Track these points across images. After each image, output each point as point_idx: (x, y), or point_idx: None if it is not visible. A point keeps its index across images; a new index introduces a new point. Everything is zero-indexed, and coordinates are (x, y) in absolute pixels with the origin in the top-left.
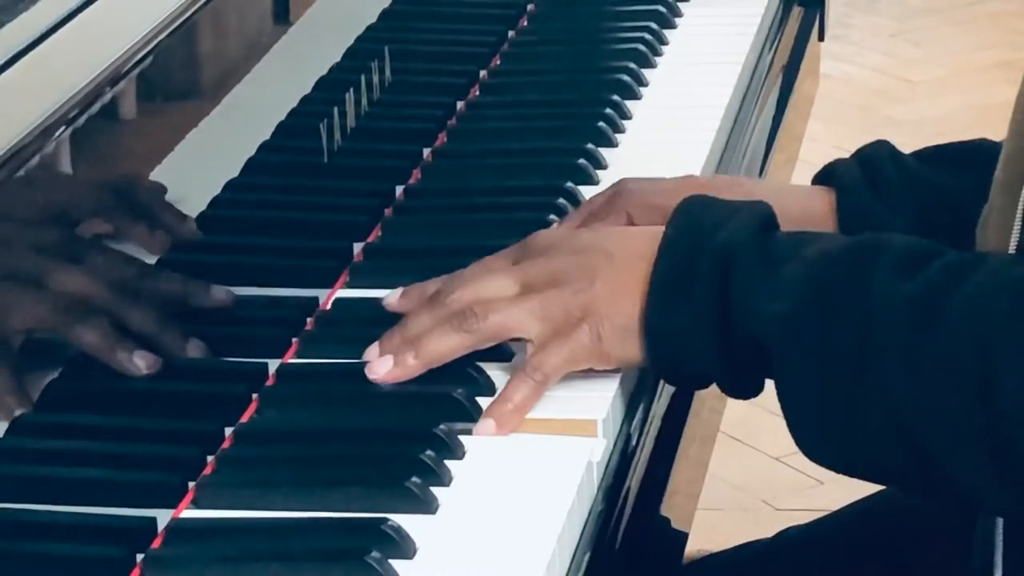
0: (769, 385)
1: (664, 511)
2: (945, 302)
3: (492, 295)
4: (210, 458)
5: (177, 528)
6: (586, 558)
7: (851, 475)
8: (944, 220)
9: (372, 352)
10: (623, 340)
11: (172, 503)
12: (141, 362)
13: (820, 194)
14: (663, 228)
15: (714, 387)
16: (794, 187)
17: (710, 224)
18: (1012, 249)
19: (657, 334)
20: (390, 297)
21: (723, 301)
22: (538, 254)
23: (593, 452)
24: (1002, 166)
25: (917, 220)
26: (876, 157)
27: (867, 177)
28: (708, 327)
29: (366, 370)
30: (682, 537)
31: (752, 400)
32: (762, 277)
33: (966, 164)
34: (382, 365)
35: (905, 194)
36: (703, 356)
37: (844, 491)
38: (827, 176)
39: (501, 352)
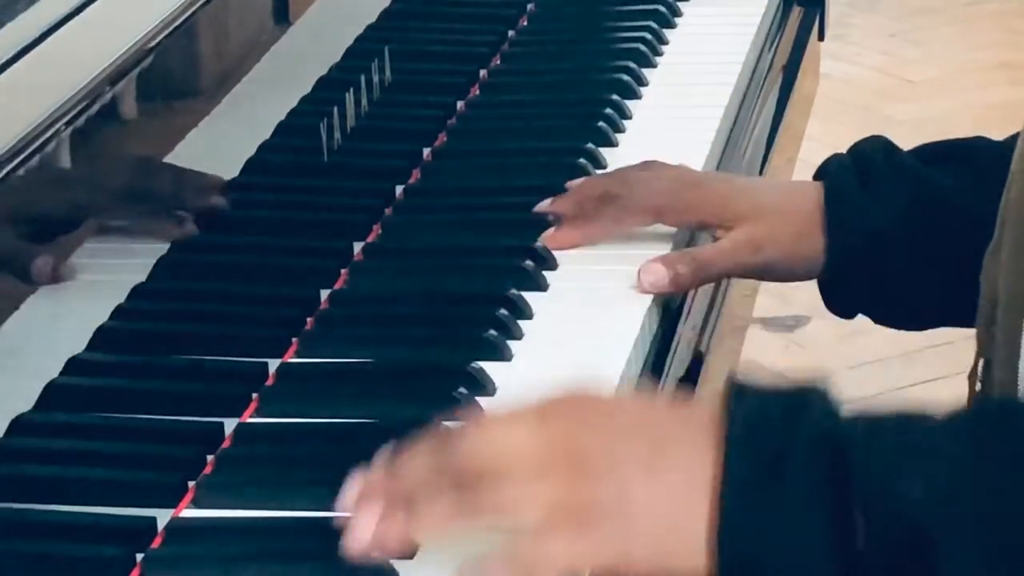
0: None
1: None
2: None
3: (505, 459)
4: (210, 458)
5: (177, 528)
6: None
7: None
8: (934, 217)
9: (351, 490)
10: (664, 550)
11: (172, 503)
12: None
13: (809, 188)
14: (710, 411)
15: (715, 386)
16: (783, 182)
17: (780, 412)
18: None
19: (742, 540)
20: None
21: (839, 496)
22: (562, 419)
23: None
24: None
25: (906, 215)
26: (869, 151)
27: (857, 170)
28: (820, 524)
29: (350, 523)
30: None
31: None
32: (891, 460)
33: (962, 162)
34: (358, 534)
35: (895, 188)
36: (807, 560)
37: None
38: (823, 171)
39: (501, 353)
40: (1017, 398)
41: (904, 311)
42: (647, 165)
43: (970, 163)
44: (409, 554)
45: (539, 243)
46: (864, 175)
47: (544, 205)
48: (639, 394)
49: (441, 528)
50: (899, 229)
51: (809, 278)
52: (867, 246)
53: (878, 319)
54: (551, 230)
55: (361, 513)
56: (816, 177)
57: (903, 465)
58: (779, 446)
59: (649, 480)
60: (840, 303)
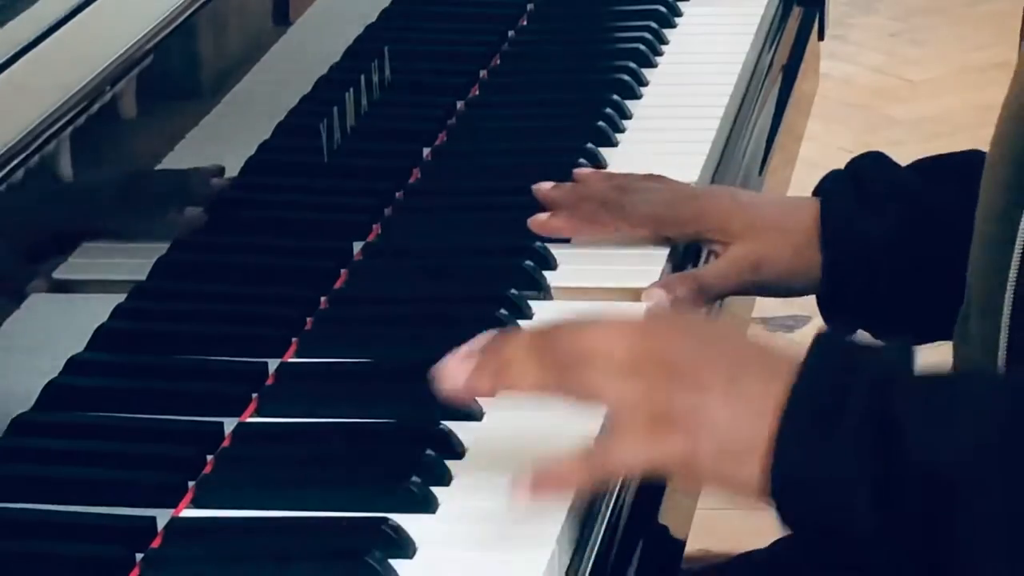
0: None
1: (663, 511)
2: None
3: (600, 351)
4: (210, 457)
5: (177, 527)
6: (586, 559)
7: None
8: (930, 233)
9: (454, 357)
10: (731, 466)
11: (172, 502)
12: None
13: (807, 204)
14: (793, 352)
15: None
16: (782, 197)
17: (857, 358)
18: (1011, 285)
19: (794, 464)
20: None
21: (882, 439)
22: (662, 331)
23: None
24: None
25: (902, 231)
26: (866, 167)
27: (854, 186)
28: (863, 463)
29: (435, 371)
30: (680, 541)
31: None
32: (933, 420)
33: (959, 177)
34: (454, 374)
35: (891, 205)
36: (846, 493)
37: None
38: (821, 187)
39: None
40: None
41: (902, 326)
42: (649, 176)
43: (966, 178)
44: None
45: (538, 244)
46: (861, 191)
47: (544, 187)
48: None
49: (524, 392)
50: (895, 245)
51: (807, 294)
52: (863, 262)
53: (877, 334)
54: (542, 215)
55: (458, 360)
56: (815, 192)
57: (944, 420)
58: (842, 385)
59: (726, 398)
60: (838, 319)
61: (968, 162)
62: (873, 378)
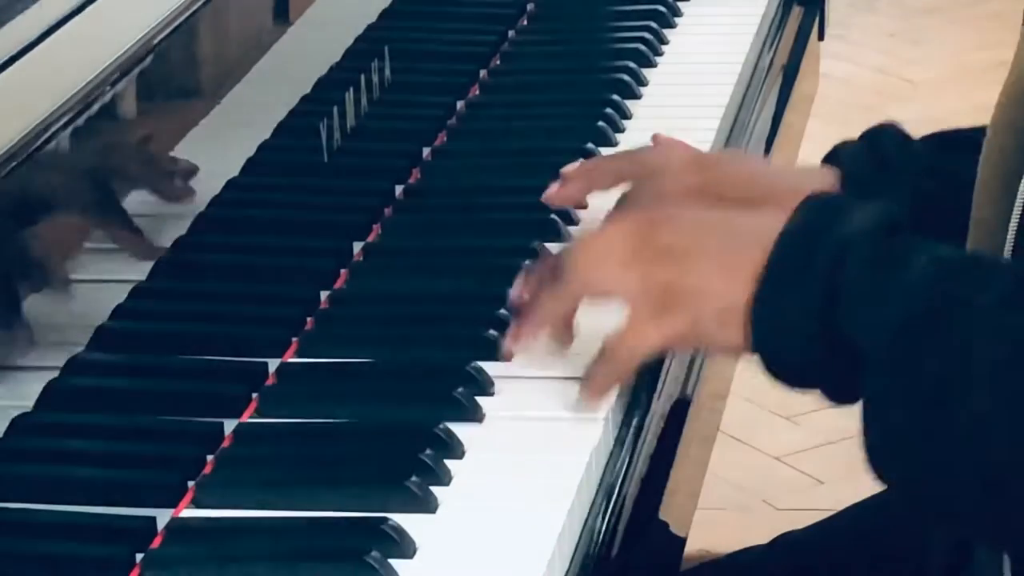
0: (769, 386)
1: (664, 511)
2: None
3: (602, 251)
4: (210, 457)
5: (177, 527)
6: (586, 558)
7: (914, 501)
8: (944, 205)
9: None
10: (724, 324)
11: (172, 502)
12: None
13: (824, 174)
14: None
15: (713, 386)
16: (798, 168)
17: (834, 218)
18: (1008, 245)
19: (762, 320)
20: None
21: (832, 296)
22: (662, 222)
23: (593, 452)
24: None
25: (920, 200)
26: (883, 138)
27: (872, 158)
28: (812, 321)
29: (509, 339)
30: (680, 540)
31: (752, 400)
32: (874, 280)
33: (972, 149)
34: (510, 338)
35: (908, 174)
36: (805, 349)
37: (844, 491)
38: (834, 156)
39: (501, 353)
40: (998, 259)
41: None
42: (656, 150)
43: (977, 153)
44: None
45: (537, 243)
46: (878, 162)
47: (554, 190)
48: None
49: (551, 316)
50: (914, 214)
51: None
52: None
53: None
54: (553, 184)
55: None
56: (827, 160)
57: (873, 288)
58: (814, 244)
59: (717, 270)
60: None
61: (980, 136)
62: (839, 234)
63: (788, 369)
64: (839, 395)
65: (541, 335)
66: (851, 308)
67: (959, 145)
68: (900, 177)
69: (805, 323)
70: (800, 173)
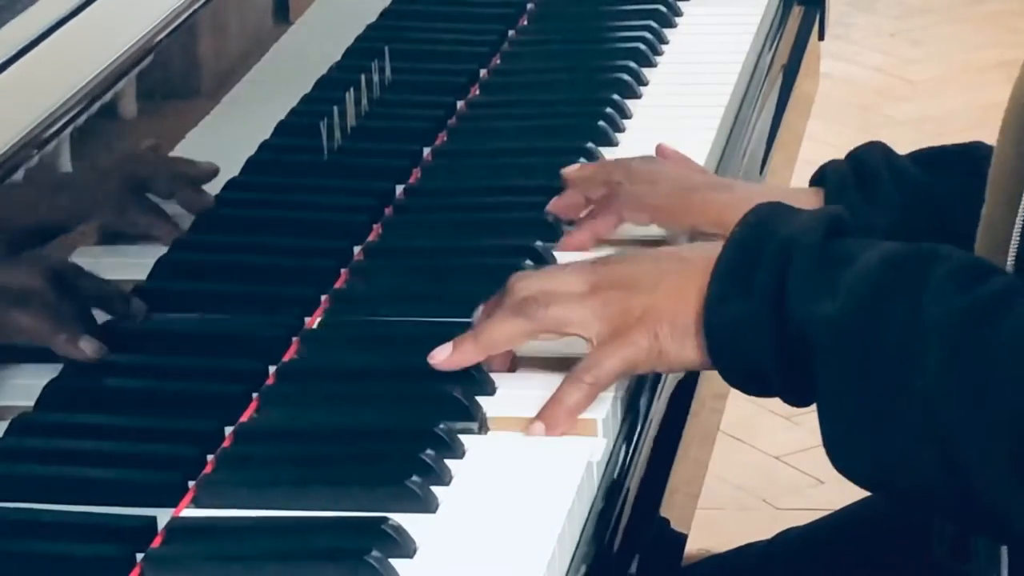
0: None
1: (664, 511)
2: (997, 322)
3: (559, 288)
4: (210, 457)
5: (177, 527)
6: (586, 558)
7: (880, 492)
8: (931, 223)
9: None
10: (682, 340)
11: (172, 502)
12: (87, 347)
13: (809, 195)
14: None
15: (713, 386)
16: (784, 189)
17: (777, 224)
18: (1011, 260)
19: (714, 328)
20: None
21: (779, 297)
22: (615, 262)
23: (593, 452)
24: (998, 175)
25: (903, 221)
26: (867, 157)
27: (856, 177)
28: (763, 321)
29: (429, 358)
30: (682, 538)
31: (752, 400)
32: (818, 277)
33: (959, 167)
34: (442, 351)
35: (893, 195)
36: (758, 352)
37: (844, 491)
38: (820, 177)
39: None
40: (957, 249)
41: None
42: (650, 161)
43: (967, 169)
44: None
45: (538, 243)
46: (862, 181)
47: (557, 204)
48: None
49: (502, 344)
50: (897, 235)
51: None
52: None
53: None
54: (565, 236)
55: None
56: (812, 182)
57: (819, 285)
58: (758, 249)
59: (670, 289)
60: None
61: (968, 153)
62: (782, 241)
63: (745, 376)
64: (797, 397)
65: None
66: (797, 307)
67: (946, 161)
68: (885, 195)
69: (753, 329)
70: (782, 196)
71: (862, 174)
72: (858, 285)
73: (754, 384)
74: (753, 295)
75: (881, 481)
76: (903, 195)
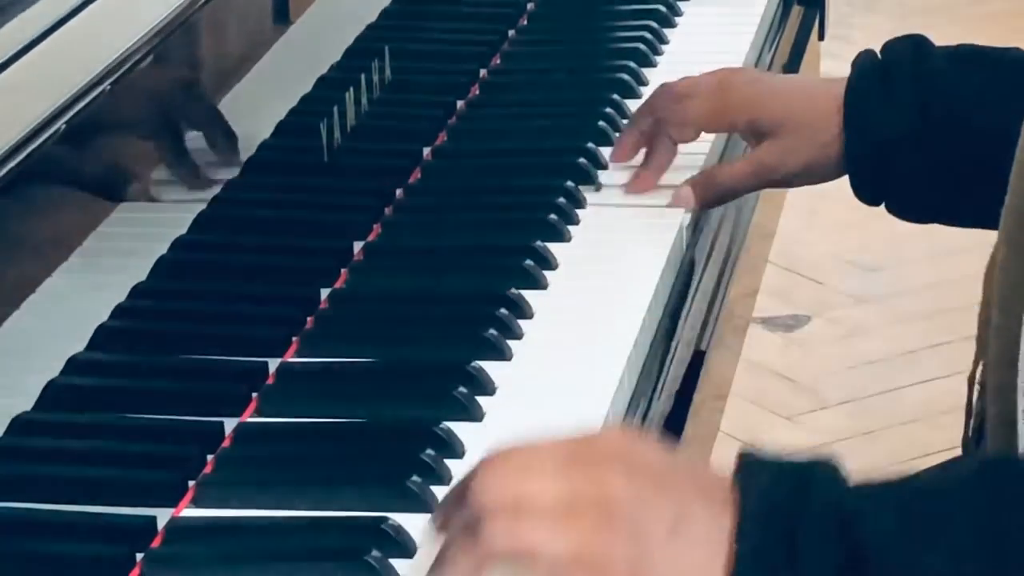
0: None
1: None
2: None
3: (526, 495)
4: (210, 457)
5: (177, 527)
6: None
7: None
8: (950, 123)
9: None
10: None
11: (172, 502)
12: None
13: (835, 89)
14: (732, 494)
15: (713, 386)
16: (807, 82)
17: (788, 493)
18: None
19: None
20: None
21: (853, 564)
22: (597, 462)
23: None
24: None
25: (922, 121)
26: (898, 51)
27: (880, 70)
28: None
29: None
30: None
31: (752, 399)
32: (909, 529)
33: (991, 70)
34: None
35: (914, 94)
36: None
37: None
38: (854, 66)
39: (501, 353)
40: (1014, 454)
41: (920, 209)
42: (687, 78)
43: (999, 73)
44: None
45: (538, 243)
46: (887, 85)
47: (617, 152)
48: (666, 449)
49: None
50: (914, 135)
51: (826, 179)
52: (882, 153)
53: (896, 213)
54: (632, 179)
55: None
56: (853, 65)
57: (921, 537)
58: (791, 521)
59: (669, 544)
60: (860, 194)
61: (1006, 59)
62: (821, 510)
63: None
64: None
65: None
66: (899, 557)
67: (979, 62)
68: (903, 93)
69: None
70: (809, 91)
71: (887, 75)
72: (964, 528)
73: None
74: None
75: None
76: (921, 92)
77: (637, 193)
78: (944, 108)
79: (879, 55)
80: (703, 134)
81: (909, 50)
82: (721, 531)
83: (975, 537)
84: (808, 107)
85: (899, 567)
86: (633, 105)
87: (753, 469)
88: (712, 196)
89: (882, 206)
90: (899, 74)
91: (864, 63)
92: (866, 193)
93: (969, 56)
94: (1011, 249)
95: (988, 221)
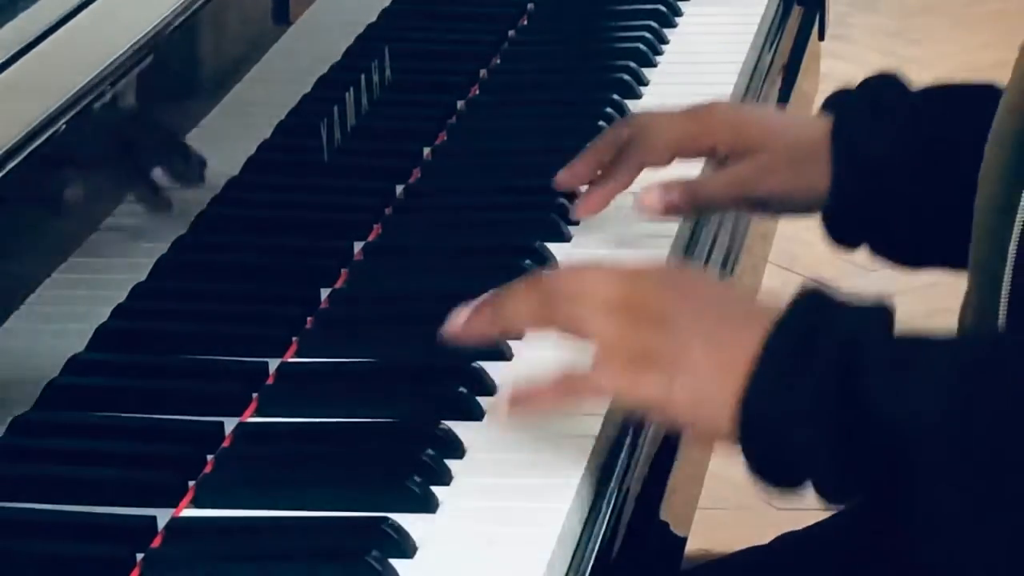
0: None
1: (663, 511)
2: None
3: (590, 291)
4: (210, 457)
5: (177, 527)
6: (586, 558)
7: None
8: (940, 155)
9: (461, 308)
10: (699, 406)
11: (172, 502)
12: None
13: (819, 121)
14: (777, 306)
15: None
16: (790, 116)
17: (832, 314)
18: (1010, 260)
19: (756, 415)
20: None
21: (846, 394)
22: (656, 281)
23: (593, 452)
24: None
25: (913, 149)
26: (880, 86)
27: (867, 105)
28: (825, 417)
29: (443, 330)
30: (681, 540)
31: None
32: (898, 378)
33: (970, 104)
34: (457, 320)
35: (903, 125)
36: (808, 446)
37: None
38: (830, 104)
39: (501, 352)
40: (1000, 342)
41: (904, 246)
42: (652, 110)
43: (976, 109)
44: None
45: (538, 243)
46: (875, 108)
47: (564, 174)
48: (721, 282)
49: (518, 327)
50: (906, 163)
51: (807, 210)
52: (873, 176)
53: (878, 251)
54: (578, 201)
55: (464, 310)
56: (823, 107)
57: (905, 387)
58: (812, 340)
59: (705, 347)
60: (842, 233)
61: (979, 94)
62: (843, 334)
63: (776, 466)
64: (836, 495)
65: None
66: (885, 405)
67: (957, 100)
68: (893, 126)
69: (813, 420)
70: (795, 121)
71: (874, 100)
72: (946, 386)
73: (783, 474)
74: (812, 390)
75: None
76: (914, 124)
77: (582, 216)
78: (935, 137)
79: (858, 93)
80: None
81: (890, 86)
82: (753, 340)
83: (963, 392)
84: (791, 131)
85: (889, 406)
86: (633, 105)
87: (806, 295)
88: (689, 205)
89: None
90: (887, 103)
91: (845, 95)
92: (848, 225)
93: (946, 95)
94: (983, 239)
95: (964, 262)
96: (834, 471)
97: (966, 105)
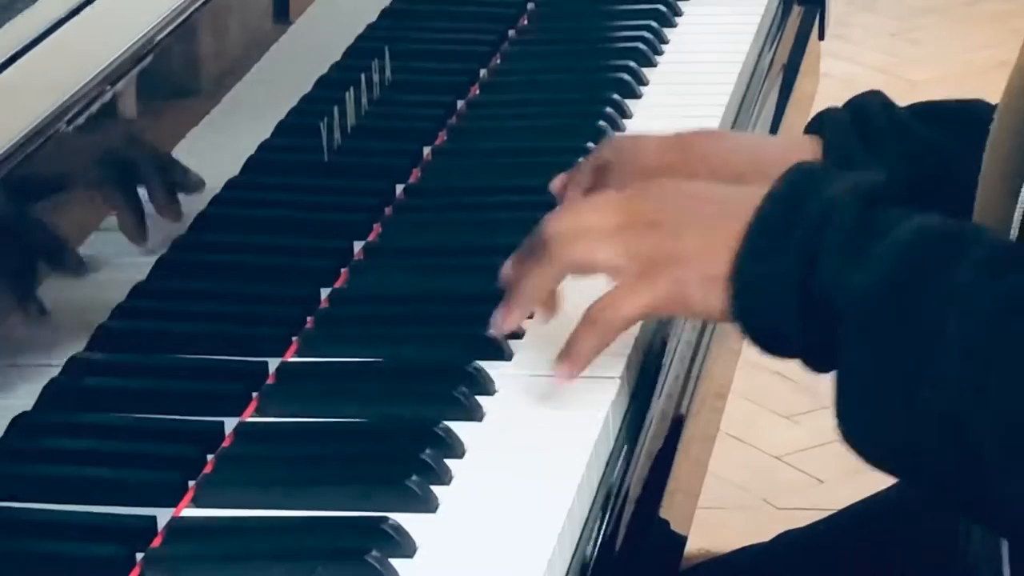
0: (769, 386)
1: (664, 511)
2: None
3: (585, 224)
4: (210, 457)
5: (177, 527)
6: (586, 558)
7: (886, 468)
8: (932, 175)
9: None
10: (707, 289)
11: (172, 502)
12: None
13: (806, 143)
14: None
15: (713, 386)
16: (779, 138)
17: (816, 186)
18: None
19: (743, 283)
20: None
21: (810, 261)
22: (646, 195)
23: (593, 452)
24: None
25: (905, 172)
26: (868, 106)
27: (857, 125)
28: (792, 281)
29: (489, 333)
30: (681, 538)
31: (752, 399)
32: (852, 245)
33: (959, 122)
34: (498, 322)
35: (894, 145)
36: (783, 312)
37: (844, 490)
38: (818, 124)
39: (501, 352)
40: (992, 231)
41: None
42: (632, 134)
43: (966, 125)
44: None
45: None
46: (863, 129)
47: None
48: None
49: (535, 295)
50: (899, 186)
51: None
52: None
53: None
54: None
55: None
56: (809, 128)
57: (853, 255)
58: (796, 210)
59: (702, 236)
60: None
61: (968, 110)
62: (822, 204)
63: (768, 336)
64: (818, 361)
65: (528, 313)
66: (828, 272)
67: (945, 117)
68: (884, 147)
69: (783, 288)
70: (782, 144)
71: (862, 122)
72: (890, 259)
73: (776, 343)
74: (786, 255)
75: (888, 456)
76: (905, 149)
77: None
78: (924, 155)
79: (846, 112)
80: None
81: (878, 106)
82: (745, 219)
83: (891, 271)
84: (779, 158)
85: (830, 285)
86: (633, 105)
87: (793, 172)
88: None
89: None
90: (875, 123)
91: (833, 117)
92: None
93: (934, 113)
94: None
95: None
96: (803, 334)
97: (956, 124)
